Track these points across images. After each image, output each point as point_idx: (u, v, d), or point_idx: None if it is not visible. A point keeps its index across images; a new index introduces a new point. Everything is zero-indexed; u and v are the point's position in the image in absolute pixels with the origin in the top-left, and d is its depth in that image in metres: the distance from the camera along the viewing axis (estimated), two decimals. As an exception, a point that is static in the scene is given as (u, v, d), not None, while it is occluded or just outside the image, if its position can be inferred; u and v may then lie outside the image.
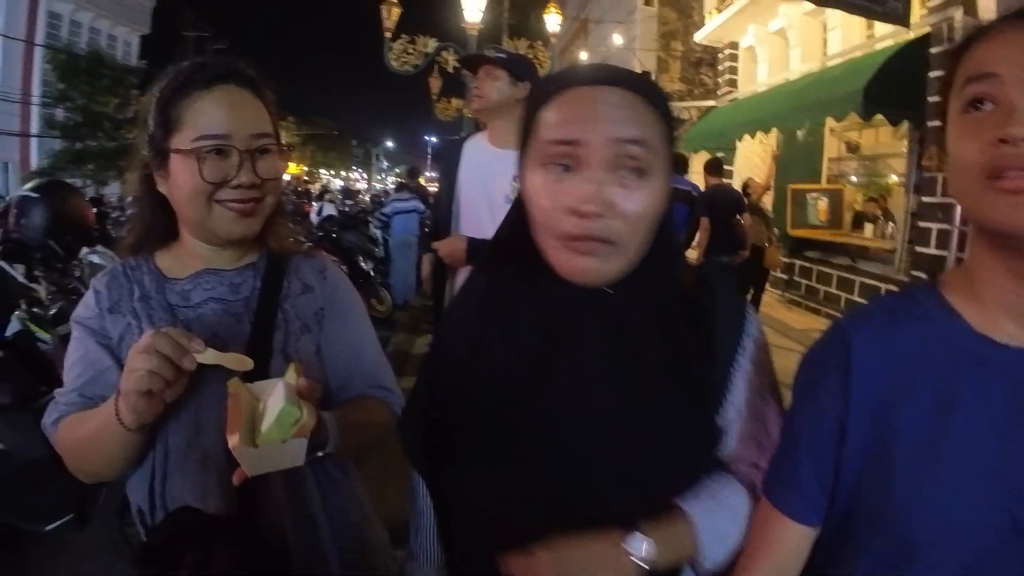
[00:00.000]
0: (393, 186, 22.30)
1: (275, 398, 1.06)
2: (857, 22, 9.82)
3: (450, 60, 12.12)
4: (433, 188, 13.18)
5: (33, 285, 4.56)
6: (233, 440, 1.01)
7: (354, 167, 63.46)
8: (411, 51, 12.09)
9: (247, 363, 1.17)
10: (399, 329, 8.78)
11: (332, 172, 58.54)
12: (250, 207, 1.27)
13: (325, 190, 20.03)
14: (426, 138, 67.74)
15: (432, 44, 12.12)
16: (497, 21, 13.50)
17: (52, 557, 3.56)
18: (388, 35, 11.95)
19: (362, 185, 55.09)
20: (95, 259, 4.59)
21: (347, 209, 13.59)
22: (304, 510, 1.31)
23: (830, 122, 10.10)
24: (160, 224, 1.36)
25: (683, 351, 1.01)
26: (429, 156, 58.47)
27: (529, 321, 1.03)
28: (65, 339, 3.59)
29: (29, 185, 4.82)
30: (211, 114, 1.23)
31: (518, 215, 1.03)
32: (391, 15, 11.80)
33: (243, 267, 1.38)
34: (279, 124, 1.37)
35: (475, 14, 11.39)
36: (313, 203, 13.76)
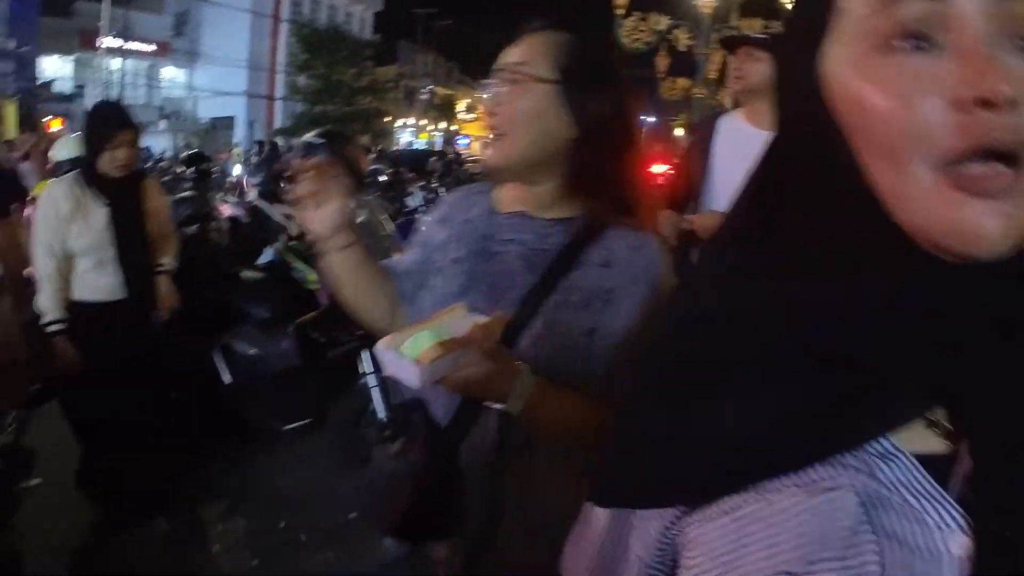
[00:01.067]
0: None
1: (441, 323, 1.08)
2: None
3: (681, 39, 11.85)
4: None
5: (288, 223, 5.05)
6: (384, 339, 1.06)
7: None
8: (642, 28, 11.91)
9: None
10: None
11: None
12: (488, 135, 1.27)
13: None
14: (642, 118, 66.70)
15: (664, 22, 11.85)
16: (728, -1, 13.05)
17: (287, 456, 3.95)
18: (620, 12, 11.83)
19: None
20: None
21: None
22: (494, 493, 1.28)
23: None
24: None
25: None
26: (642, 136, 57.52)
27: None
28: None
29: (314, 132, 5.31)
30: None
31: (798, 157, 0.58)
32: (624, -8, 11.60)
33: (558, 219, 1.30)
34: (569, 66, 1.25)
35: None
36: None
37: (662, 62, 16.16)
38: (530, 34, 1.27)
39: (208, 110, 32.82)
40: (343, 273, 1.37)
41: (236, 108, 32.18)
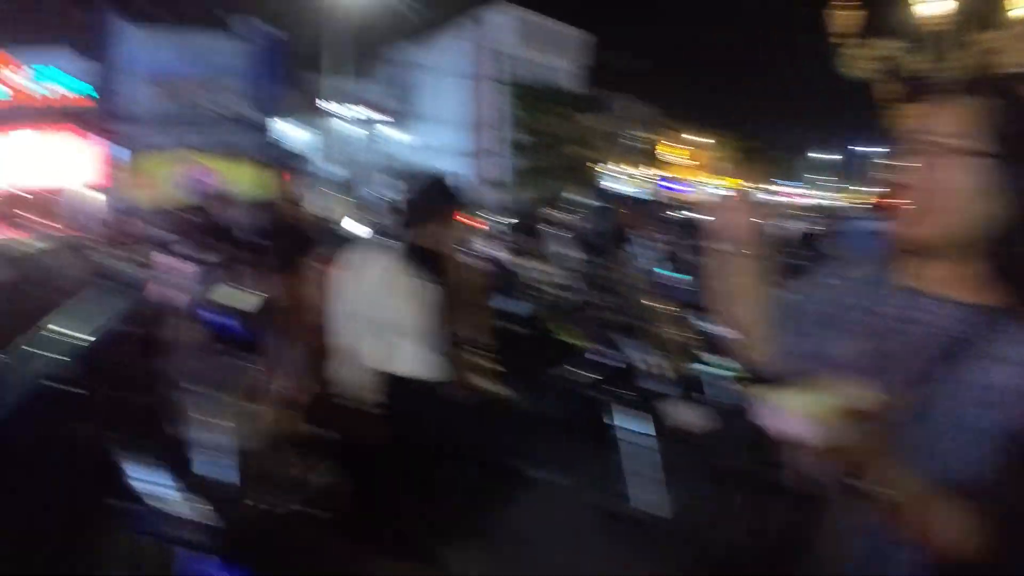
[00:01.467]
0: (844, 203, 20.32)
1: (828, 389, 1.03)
2: None
3: (907, 63, 11.12)
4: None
5: (538, 278, 5.30)
6: (768, 387, 1.05)
7: (776, 180, 59.02)
8: (865, 55, 11.32)
9: None
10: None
11: (764, 186, 55.12)
12: (897, 209, 1.18)
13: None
14: (852, 147, 61.04)
15: (890, 47, 11.19)
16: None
17: (535, 503, 3.92)
18: (841, 40, 11.41)
19: (799, 200, 47.81)
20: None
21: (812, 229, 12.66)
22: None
23: None
24: None
25: None
26: (860, 168, 53.14)
27: None
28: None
29: (596, 199, 5.73)
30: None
31: None
32: (844, 18, 11.24)
33: (972, 304, 1.16)
34: (1011, 139, 1.11)
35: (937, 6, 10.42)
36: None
37: (889, 90, 14.92)
38: (958, 99, 1.17)
39: (429, 167, 34.64)
40: (740, 280, 1.45)
41: (454, 165, 33.82)
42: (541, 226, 6.57)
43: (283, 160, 28.77)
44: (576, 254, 5.45)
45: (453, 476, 3.32)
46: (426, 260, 3.11)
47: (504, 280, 5.57)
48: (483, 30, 35.73)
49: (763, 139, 54.18)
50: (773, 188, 51.49)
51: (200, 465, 2.53)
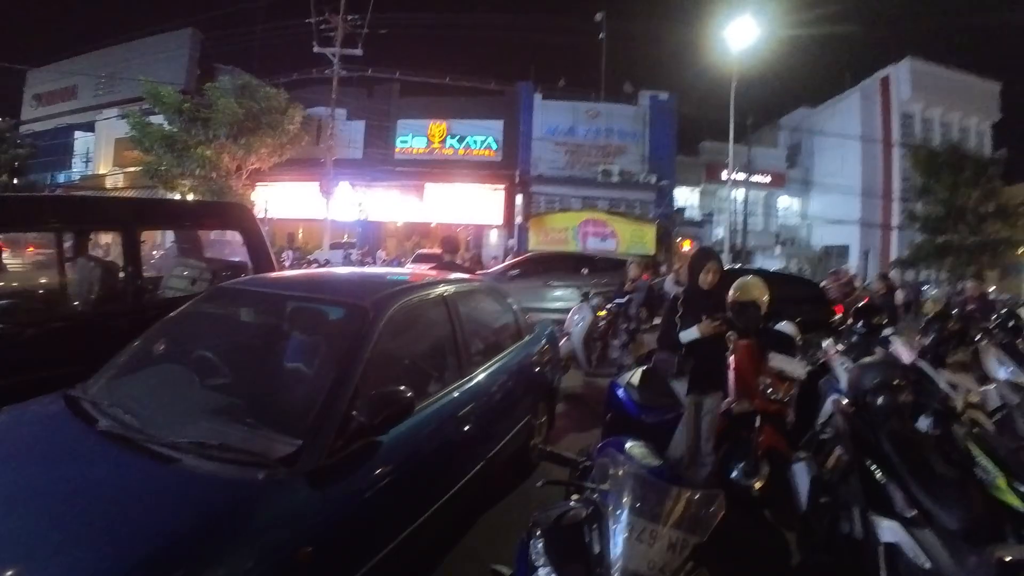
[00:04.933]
0: None
1: None
2: None
3: None
4: None
5: (954, 394, 4.39)
6: None
7: None
8: None
9: None
10: None
11: None
12: None
13: None
14: None
15: None
16: None
17: None
18: None
19: None
20: None
21: None
22: None
23: None
24: None
25: None
26: None
27: None
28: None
29: None
30: None
31: None
32: None
33: None
34: None
35: None
36: None
37: None
38: None
39: (821, 237, 33.25)
40: None
41: (849, 236, 32.08)
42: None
43: (674, 222, 29.77)
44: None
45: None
46: None
47: (913, 388, 4.54)
48: (887, 90, 33.49)
49: None
50: None
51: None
